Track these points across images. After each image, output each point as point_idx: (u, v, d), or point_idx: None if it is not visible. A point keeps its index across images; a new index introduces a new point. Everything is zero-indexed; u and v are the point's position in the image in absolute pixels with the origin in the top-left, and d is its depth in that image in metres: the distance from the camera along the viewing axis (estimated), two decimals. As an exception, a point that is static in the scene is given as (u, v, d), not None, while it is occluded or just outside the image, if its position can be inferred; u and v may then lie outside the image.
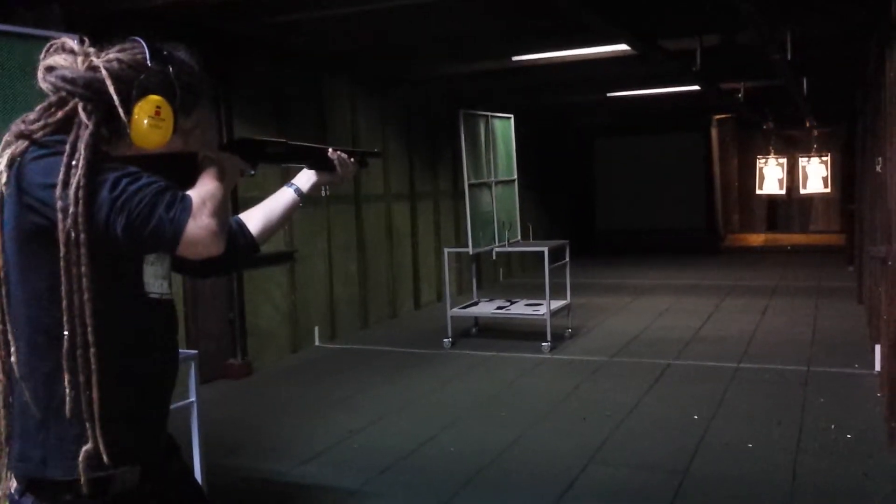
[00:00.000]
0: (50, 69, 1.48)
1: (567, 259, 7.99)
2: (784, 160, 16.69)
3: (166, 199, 1.38)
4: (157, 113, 1.47)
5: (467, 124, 7.31)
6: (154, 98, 1.47)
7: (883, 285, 5.42)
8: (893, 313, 4.77)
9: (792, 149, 16.88)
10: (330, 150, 1.93)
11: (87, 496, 1.47)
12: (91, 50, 1.50)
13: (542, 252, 7.52)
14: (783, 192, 16.98)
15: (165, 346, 1.63)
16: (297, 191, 1.90)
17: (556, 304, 7.54)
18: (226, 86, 6.61)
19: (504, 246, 7.90)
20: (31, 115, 1.48)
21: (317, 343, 7.83)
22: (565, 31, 6.61)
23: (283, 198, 1.89)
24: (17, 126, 1.47)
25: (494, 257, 7.99)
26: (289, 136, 7.39)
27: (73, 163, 1.38)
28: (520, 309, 7.75)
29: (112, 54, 1.50)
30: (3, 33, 3.49)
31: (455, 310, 7.75)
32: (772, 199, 17.72)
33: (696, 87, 9.43)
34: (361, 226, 8.68)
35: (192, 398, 3.69)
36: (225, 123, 6.61)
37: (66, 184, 1.36)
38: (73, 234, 1.37)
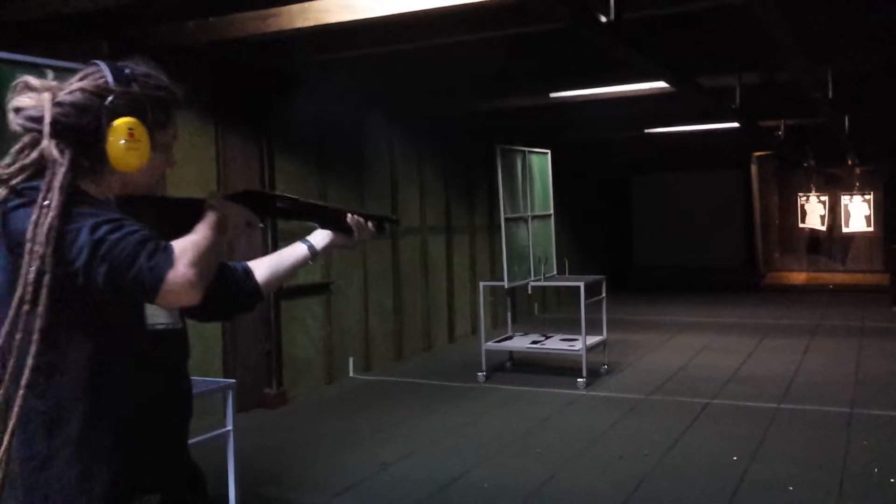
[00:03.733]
0: (18, 110, 1.47)
1: (604, 294, 7.94)
2: (826, 198, 16.47)
3: (147, 249, 1.36)
4: (131, 135, 1.46)
5: (504, 159, 7.36)
6: (124, 120, 1.46)
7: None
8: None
9: (833, 187, 16.66)
10: (349, 214, 1.90)
11: None
12: (53, 84, 1.48)
13: (579, 287, 7.49)
14: (824, 228, 16.73)
15: (175, 375, 1.64)
16: (311, 248, 1.88)
17: (592, 339, 7.48)
18: (267, 121, 6.74)
19: (540, 280, 7.88)
20: (7, 159, 1.46)
21: (351, 374, 7.85)
22: (603, 68, 6.64)
23: (294, 252, 1.86)
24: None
25: (530, 291, 7.97)
26: (329, 171, 7.53)
27: (46, 203, 1.36)
28: (555, 344, 7.70)
29: (75, 84, 1.48)
30: (30, 64, 3.53)
31: (489, 343, 7.72)
32: (813, 237, 17.46)
33: (736, 125, 9.39)
34: (397, 258, 8.74)
35: (229, 426, 3.72)
36: (266, 157, 6.73)
37: (36, 223, 1.35)
38: (34, 274, 1.34)
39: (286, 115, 6.99)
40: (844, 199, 16.22)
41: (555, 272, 8.27)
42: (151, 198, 1.52)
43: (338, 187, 7.74)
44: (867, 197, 16.00)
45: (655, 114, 9.51)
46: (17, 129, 1.47)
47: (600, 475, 4.89)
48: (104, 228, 1.35)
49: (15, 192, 1.42)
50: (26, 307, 1.36)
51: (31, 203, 1.39)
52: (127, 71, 1.52)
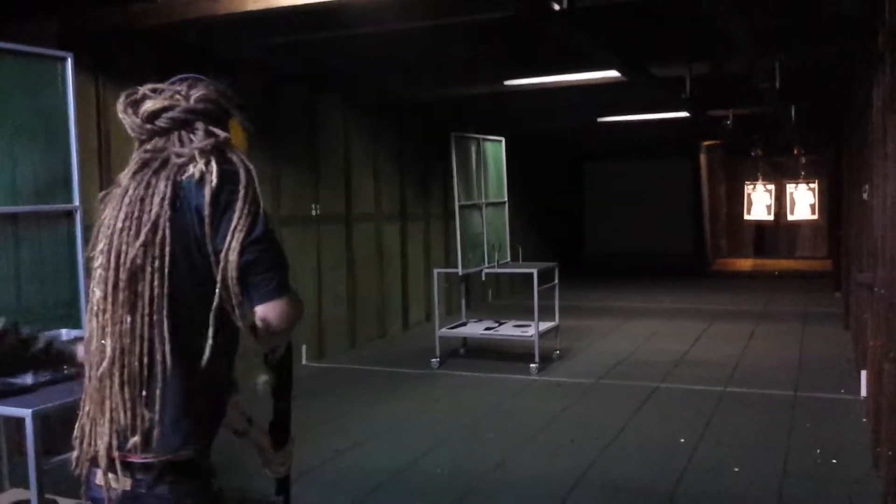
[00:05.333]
0: (157, 112, 1.73)
1: (556, 281, 8.02)
2: (772, 186, 16.85)
3: (283, 272, 1.68)
4: (244, 130, 1.82)
5: (458, 146, 7.37)
6: (237, 117, 1.81)
7: (869, 312, 5.47)
8: (879, 340, 4.80)
9: (780, 175, 17.05)
10: (282, 463, 2.05)
11: (205, 471, 1.73)
12: (175, 87, 1.77)
13: (532, 273, 7.56)
14: (771, 217, 17.13)
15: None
16: (249, 421, 2.02)
17: (545, 325, 7.56)
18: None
19: (493, 267, 7.93)
20: (196, 138, 1.71)
21: (304, 362, 7.81)
22: (558, 57, 6.68)
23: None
24: (189, 149, 1.70)
25: (484, 278, 8.02)
26: (280, 158, 7.43)
27: (252, 180, 1.67)
28: (508, 330, 7.77)
29: (201, 91, 1.78)
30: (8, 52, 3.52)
31: (443, 330, 7.75)
32: (759, 225, 17.86)
33: (685, 114, 9.54)
34: (351, 245, 8.70)
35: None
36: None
37: (248, 184, 1.65)
38: (241, 237, 1.62)
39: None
40: (790, 187, 16.62)
41: (508, 259, 8.33)
42: None
43: (291, 174, 7.66)
44: (812, 185, 16.41)
45: (608, 103, 9.61)
46: (164, 125, 1.72)
47: (552, 459, 4.96)
48: (272, 232, 1.68)
49: (216, 150, 1.69)
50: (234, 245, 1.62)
51: (232, 169, 1.67)
52: (222, 85, 1.84)
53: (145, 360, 1.64)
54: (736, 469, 4.71)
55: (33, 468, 2.82)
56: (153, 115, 1.73)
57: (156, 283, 1.63)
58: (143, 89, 1.76)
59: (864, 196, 6.16)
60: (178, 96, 1.75)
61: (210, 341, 1.63)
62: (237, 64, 6.68)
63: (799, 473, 4.62)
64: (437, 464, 4.90)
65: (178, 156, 1.69)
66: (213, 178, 1.63)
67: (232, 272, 1.61)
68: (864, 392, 5.96)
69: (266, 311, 1.64)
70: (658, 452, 5.04)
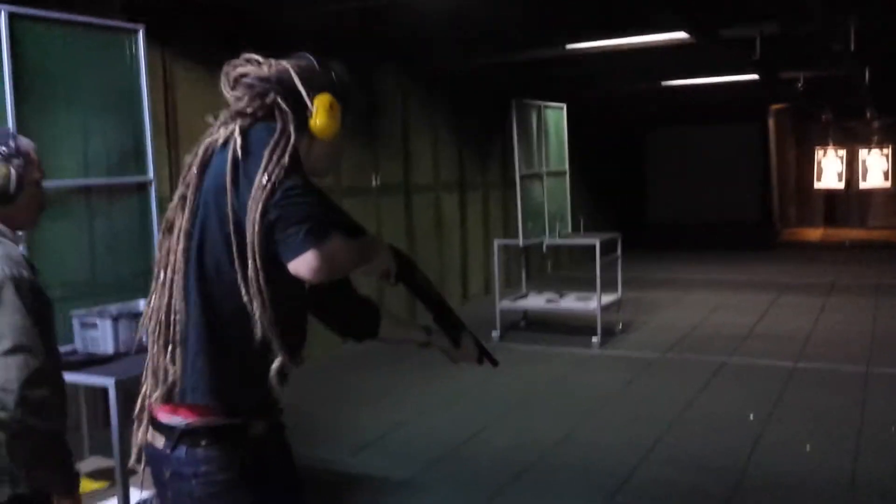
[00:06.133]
0: (243, 75, 1.76)
1: (619, 253, 7.86)
2: (843, 152, 16.22)
3: (311, 223, 1.57)
4: (332, 107, 1.76)
5: (519, 114, 7.22)
6: (327, 95, 1.76)
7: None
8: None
9: (851, 141, 16.39)
10: (465, 333, 2.05)
11: (232, 439, 1.71)
12: (271, 60, 1.78)
13: (594, 245, 7.41)
14: (842, 185, 16.51)
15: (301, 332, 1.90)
16: (428, 335, 2.07)
17: (607, 298, 7.43)
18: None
19: (555, 238, 7.80)
20: (242, 103, 1.72)
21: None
22: (621, 19, 6.48)
23: (413, 331, 2.11)
24: (233, 108, 1.73)
25: (545, 250, 7.90)
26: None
27: (285, 133, 1.65)
28: (570, 303, 7.66)
29: (291, 62, 1.78)
30: (66, 22, 3.54)
31: (505, 302, 7.68)
32: (830, 193, 17.24)
33: (754, 77, 9.19)
34: (411, 215, 8.66)
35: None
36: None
37: (273, 152, 1.60)
38: (267, 192, 1.58)
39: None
40: (862, 153, 15.98)
41: (570, 230, 8.19)
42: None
43: (348, 142, 7.62)
44: (885, 151, 15.75)
45: (672, 66, 9.32)
46: (242, 91, 1.73)
47: (616, 434, 4.88)
48: (299, 190, 1.59)
49: (259, 119, 1.70)
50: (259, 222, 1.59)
51: (272, 128, 1.66)
52: (328, 64, 1.84)
53: (173, 316, 1.69)
54: (807, 446, 4.56)
55: (116, 437, 2.87)
56: (235, 81, 1.77)
57: (181, 239, 1.68)
58: (242, 58, 1.80)
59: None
60: (263, 67, 1.76)
61: (246, 297, 1.63)
62: (292, 31, 6.66)
63: (872, 451, 4.44)
64: (499, 437, 4.86)
65: (230, 116, 1.74)
66: (237, 141, 1.65)
67: (252, 238, 1.59)
68: (944, 368, 5.71)
69: (297, 267, 1.58)
70: (726, 429, 4.91)
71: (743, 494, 3.97)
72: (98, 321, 3.23)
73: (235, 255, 1.61)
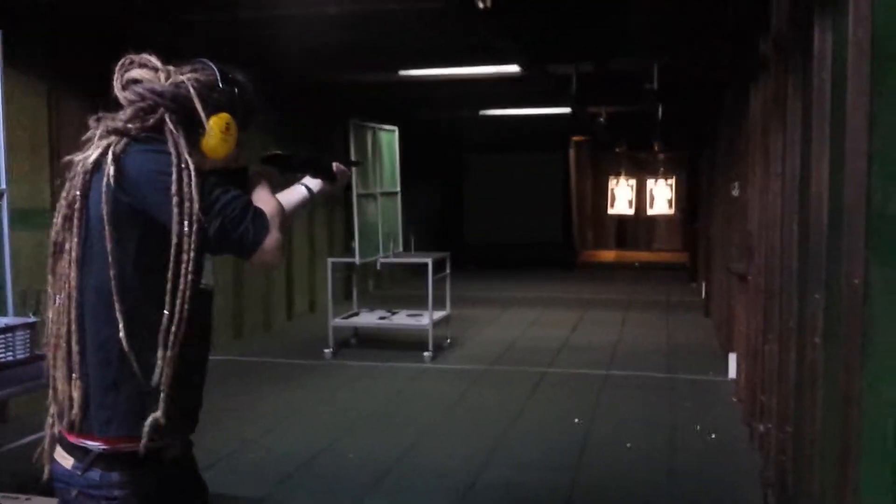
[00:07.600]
0: (135, 81, 1.68)
1: (448, 271, 8.20)
2: (633, 181, 17.83)
3: (252, 212, 1.59)
4: (227, 129, 1.70)
5: (357, 134, 7.37)
6: (225, 115, 1.70)
7: (740, 299, 5.97)
8: (751, 325, 5.27)
9: (641, 171, 18.06)
10: (334, 164, 2.05)
11: (147, 463, 1.64)
12: (170, 68, 1.71)
13: (425, 263, 7.69)
14: (632, 211, 18.11)
15: (205, 334, 1.77)
16: (309, 190, 1.99)
17: (437, 314, 7.72)
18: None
19: (389, 257, 8.00)
20: (123, 117, 1.64)
21: (192, 352, 7.60)
22: (456, 49, 6.81)
23: (298, 193, 1.96)
24: (111, 124, 1.64)
25: (379, 267, 8.07)
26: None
27: (182, 165, 1.57)
28: (402, 319, 7.87)
29: (189, 74, 1.71)
30: None
31: (337, 320, 7.76)
32: (621, 218, 18.85)
33: (566, 110, 9.95)
34: (238, 233, 8.50)
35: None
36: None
37: (180, 182, 1.54)
38: (186, 226, 1.52)
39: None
40: (650, 182, 17.65)
41: (401, 249, 8.42)
42: (205, 172, 1.66)
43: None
44: (669, 181, 17.50)
45: (494, 96, 9.87)
46: (132, 96, 1.65)
47: (459, 441, 5.12)
48: (218, 190, 1.58)
49: (138, 140, 1.62)
50: (184, 256, 1.55)
51: (162, 153, 1.59)
52: (230, 76, 1.75)
53: (74, 346, 1.63)
54: (629, 445, 5.04)
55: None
56: (127, 82, 1.70)
57: (73, 266, 1.62)
58: (141, 58, 1.71)
59: (734, 192, 6.70)
60: (160, 75, 1.69)
61: (122, 333, 1.58)
62: (135, 40, 6.40)
63: (684, 448, 5.00)
64: (348, 450, 4.95)
65: (106, 131, 1.65)
66: (110, 171, 1.58)
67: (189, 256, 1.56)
68: (731, 374, 6.50)
69: (261, 258, 1.60)
70: (557, 432, 5.31)
71: (582, 488, 4.35)
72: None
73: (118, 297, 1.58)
